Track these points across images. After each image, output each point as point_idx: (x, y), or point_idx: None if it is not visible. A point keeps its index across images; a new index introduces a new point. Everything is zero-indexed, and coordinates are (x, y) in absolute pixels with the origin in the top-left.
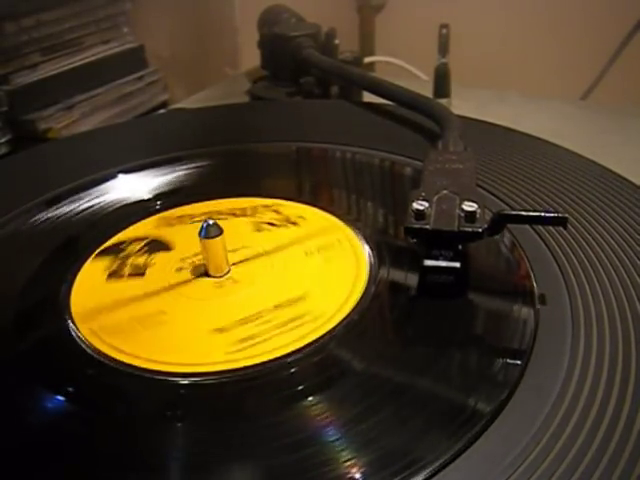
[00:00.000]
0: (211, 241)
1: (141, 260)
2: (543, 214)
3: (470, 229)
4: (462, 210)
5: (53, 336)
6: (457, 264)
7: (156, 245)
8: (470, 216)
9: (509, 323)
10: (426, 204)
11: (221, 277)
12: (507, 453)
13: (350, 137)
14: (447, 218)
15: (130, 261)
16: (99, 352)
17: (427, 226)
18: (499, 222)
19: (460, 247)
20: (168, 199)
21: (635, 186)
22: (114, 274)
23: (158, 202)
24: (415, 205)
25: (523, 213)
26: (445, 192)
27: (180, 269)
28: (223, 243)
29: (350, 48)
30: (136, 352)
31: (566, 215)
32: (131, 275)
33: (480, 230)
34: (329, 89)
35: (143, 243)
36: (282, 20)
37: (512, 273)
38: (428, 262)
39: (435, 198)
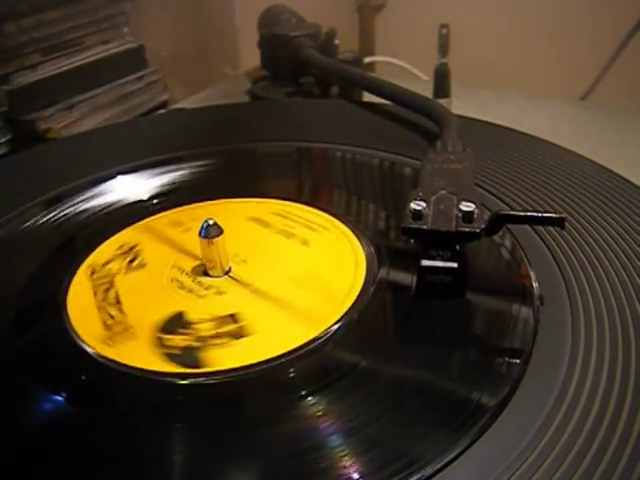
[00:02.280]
0: (211, 241)
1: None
2: (541, 214)
3: (467, 229)
4: (460, 210)
5: (51, 336)
6: (454, 264)
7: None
8: (468, 216)
9: (509, 323)
10: (424, 204)
11: (221, 277)
12: (508, 452)
13: (350, 137)
14: (445, 218)
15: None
16: (98, 352)
17: (424, 226)
18: (497, 222)
19: (458, 247)
20: (168, 199)
21: (635, 186)
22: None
23: (157, 202)
24: (413, 205)
25: (521, 213)
26: (443, 192)
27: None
28: (223, 243)
29: (350, 48)
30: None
31: (564, 215)
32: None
33: (477, 230)
34: (329, 89)
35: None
36: (282, 20)
37: (512, 273)
38: (425, 262)
39: (433, 198)
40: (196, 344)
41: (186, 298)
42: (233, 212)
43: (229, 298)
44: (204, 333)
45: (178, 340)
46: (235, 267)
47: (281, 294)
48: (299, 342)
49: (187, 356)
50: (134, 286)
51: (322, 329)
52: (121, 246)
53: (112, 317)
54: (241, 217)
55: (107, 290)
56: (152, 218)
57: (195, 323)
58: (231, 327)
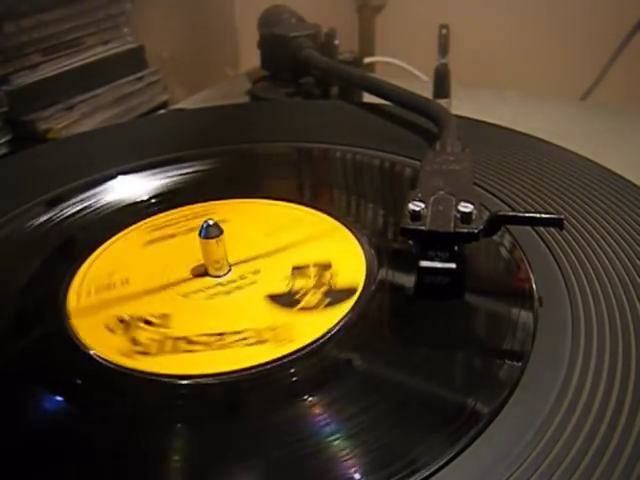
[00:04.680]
0: (211, 241)
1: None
2: (539, 215)
3: (466, 230)
4: (458, 211)
5: (51, 336)
6: (453, 265)
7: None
8: (466, 217)
9: (509, 324)
10: (422, 205)
11: (221, 277)
12: (507, 454)
13: (350, 137)
14: (443, 219)
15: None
16: (97, 352)
17: (423, 227)
18: (495, 223)
19: (456, 248)
20: (167, 199)
21: (635, 186)
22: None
23: (157, 203)
24: (411, 206)
25: (519, 214)
26: (441, 193)
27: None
28: (223, 243)
29: (350, 48)
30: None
31: (562, 216)
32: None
33: (476, 231)
34: (329, 89)
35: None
36: (282, 20)
37: (512, 274)
38: (424, 263)
39: (431, 199)
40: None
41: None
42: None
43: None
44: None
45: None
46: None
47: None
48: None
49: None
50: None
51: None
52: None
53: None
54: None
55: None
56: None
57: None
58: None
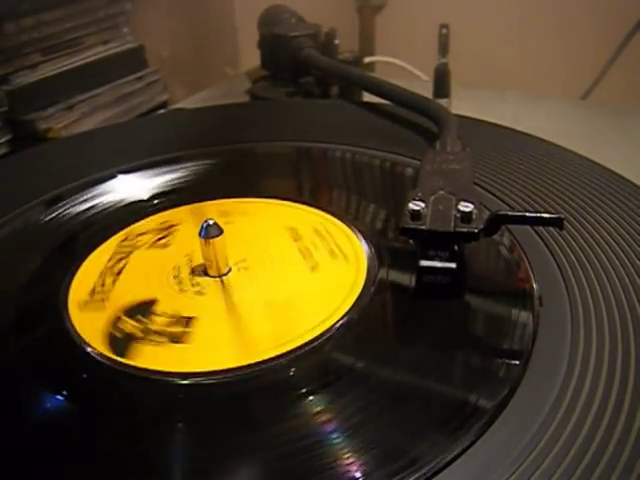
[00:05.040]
0: (211, 241)
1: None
2: (539, 215)
3: (465, 230)
4: (458, 210)
5: (51, 335)
6: (453, 265)
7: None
8: (466, 217)
9: (509, 323)
10: (422, 204)
11: (221, 277)
12: (507, 453)
13: (350, 137)
14: (443, 219)
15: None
16: (97, 351)
17: (423, 226)
18: (495, 222)
19: (456, 248)
20: (167, 199)
21: (635, 186)
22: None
23: (157, 202)
24: (411, 205)
25: (519, 214)
26: (441, 192)
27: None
28: (223, 243)
29: (350, 48)
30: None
31: (562, 216)
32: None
33: (476, 231)
34: (329, 89)
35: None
36: (282, 20)
37: (512, 273)
38: (424, 262)
39: (431, 198)
40: (139, 334)
41: (170, 289)
42: (277, 215)
43: (202, 301)
44: (153, 327)
45: (129, 325)
46: (235, 272)
47: (245, 314)
48: (222, 366)
49: (122, 342)
50: (142, 263)
51: (250, 361)
52: (164, 222)
53: (103, 285)
54: (281, 223)
55: (120, 259)
56: (206, 203)
57: (156, 314)
58: (178, 329)
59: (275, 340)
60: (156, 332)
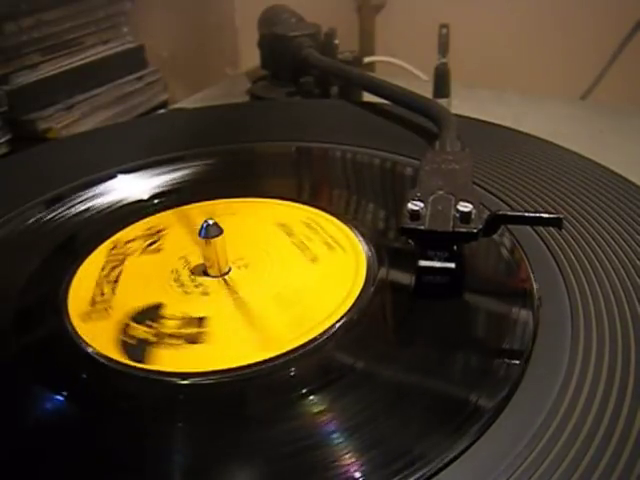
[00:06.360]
0: (209, 241)
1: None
2: (538, 215)
3: (465, 230)
4: (457, 211)
5: (51, 336)
6: (452, 265)
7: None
8: (465, 217)
9: (509, 323)
10: (421, 204)
11: (222, 276)
12: (508, 452)
13: (350, 137)
14: (442, 219)
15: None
16: (97, 351)
17: (422, 226)
18: (494, 223)
19: (455, 248)
20: (167, 199)
21: (635, 186)
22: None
23: (157, 202)
24: (410, 205)
25: (518, 214)
26: (441, 193)
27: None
28: (223, 243)
29: (350, 48)
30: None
31: (561, 216)
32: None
33: (474, 231)
34: (329, 89)
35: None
36: (282, 20)
37: (512, 273)
38: (423, 262)
39: (431, 198)
40: (152, 339)
41: (173, 292)
42: (266, 212)
43: (209, 301)
44: (166, 330)
45: (141, 331)
46: (235, 271)
47: (258, 309)
48: (248, 361)
49: (138, 349)
50: (138, 269)
51: (275, 353)
52: (150, 227)
53: (102, 294)
54: (271, 220)
55: (114, 267)
56: (189, 206)
57: (165, 318)
58: (192, 330)
59: (295, 330)
60: (170, 335)
